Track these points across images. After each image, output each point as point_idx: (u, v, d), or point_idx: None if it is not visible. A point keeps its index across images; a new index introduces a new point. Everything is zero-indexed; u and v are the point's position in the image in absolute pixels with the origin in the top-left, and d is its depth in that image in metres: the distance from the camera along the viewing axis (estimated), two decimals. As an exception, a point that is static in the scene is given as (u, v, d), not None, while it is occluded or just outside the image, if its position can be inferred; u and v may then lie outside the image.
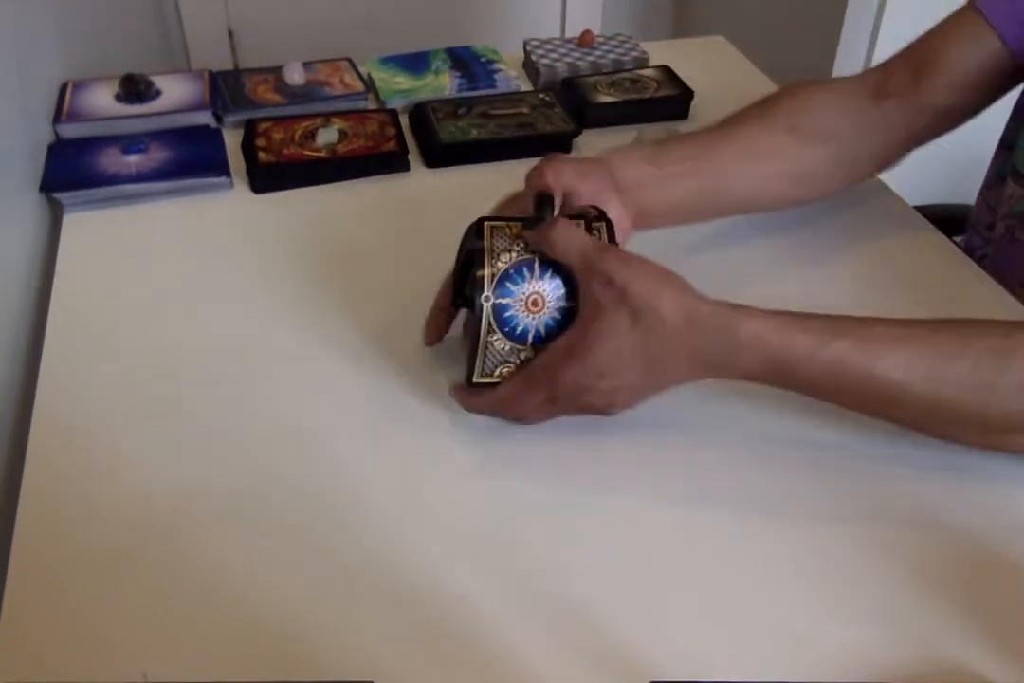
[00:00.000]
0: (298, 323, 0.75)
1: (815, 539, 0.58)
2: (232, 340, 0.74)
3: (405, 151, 0.94)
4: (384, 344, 0.73)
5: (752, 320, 0.57)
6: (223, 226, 0.87)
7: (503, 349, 0.61)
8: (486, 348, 0.61)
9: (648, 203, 0.72)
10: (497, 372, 0.62)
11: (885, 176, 0.92)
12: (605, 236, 0.63)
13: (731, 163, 0.76)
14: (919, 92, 0.79)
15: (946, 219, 0.90)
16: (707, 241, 0.84)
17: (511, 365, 0.62)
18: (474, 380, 0.63)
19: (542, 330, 0.61)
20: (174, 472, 0.63)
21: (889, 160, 0.83)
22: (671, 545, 0.58)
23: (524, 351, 0.62)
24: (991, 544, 0.57)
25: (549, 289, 0.61)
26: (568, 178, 0.67)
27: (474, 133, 0.95)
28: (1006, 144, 0.87)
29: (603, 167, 0.70)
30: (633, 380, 0.60)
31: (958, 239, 0.92)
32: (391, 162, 0.94)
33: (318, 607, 0.54)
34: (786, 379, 0.59)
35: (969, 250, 0.88)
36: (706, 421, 0.66)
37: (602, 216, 0.63)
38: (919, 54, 0.80)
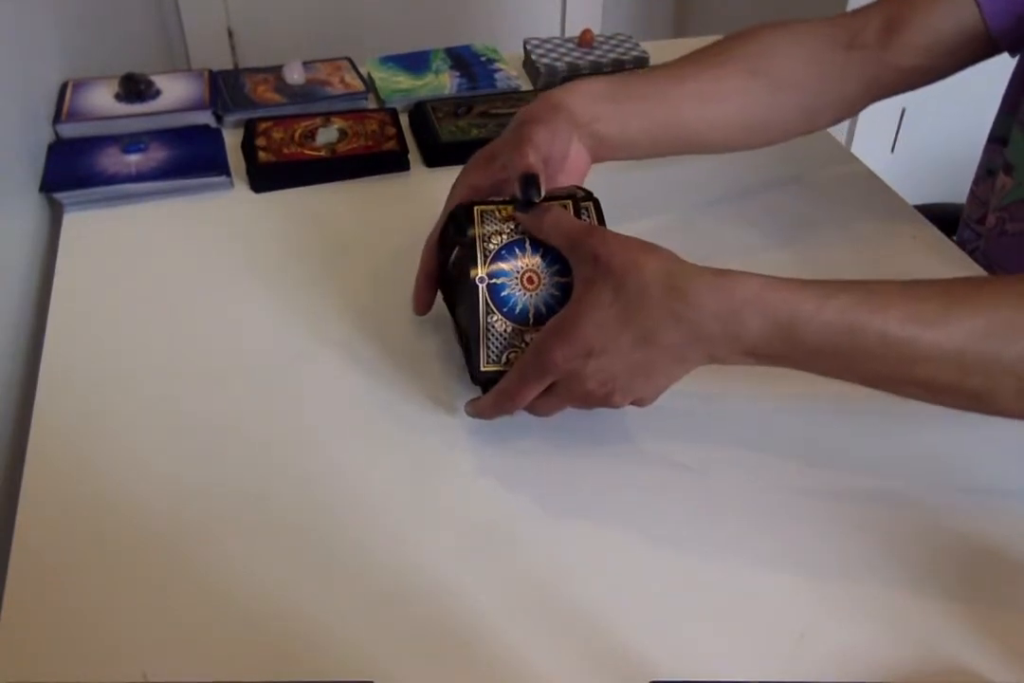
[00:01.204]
0: (298, 322, 0.75)
1: (815, 539, 0.58)
2: (232, 339, 0.74)
3: (405, 150, 0.94)
4: (385, 343, 0.73)
5: (749, 278, 0.54)
6: (223, 226, 0.87)
7: (505, 331, 0.60)
8: (488, 331, 0.60)
9: (604, 137, 0.71)
10: (504, 358, 0.61)
11: (885, 176, 0.93)
12: (594, 216, 0.62)
13: (687, 104, 0.75)
14: (889, 49, 0.77)
15: (944, 218, 0.91)
16: (706, 241, 0.83)
17: (518, 349, 0.60)
18: (481, 368, 0.61)
19: (542, 308, 0.60)
20: (174, 472, 0.63)
21: (846, 113, 0.82)
22: (671, 545, 0.58)
23: (528, 332, 0.60)
24: (991, 544, 0.57)
25: (543, 265, 0.60)
26: (545, 148, 0.65)
27: (474, 132, 0.95)
28: (996, 138, 0.86)
29: (564, 114, 0.69)
30: (624, 360, 0.56)
31: (954, 238, 0.93)
32: (391, 161, 0.94)
33: (318, 607, 0.54)
34: (793, 341, 0.53)
35: (961, 244, 0.88)
36: (707, 420, 0.65)
37: (589, 196, 0.63)
38: (896, 10, 0.78)
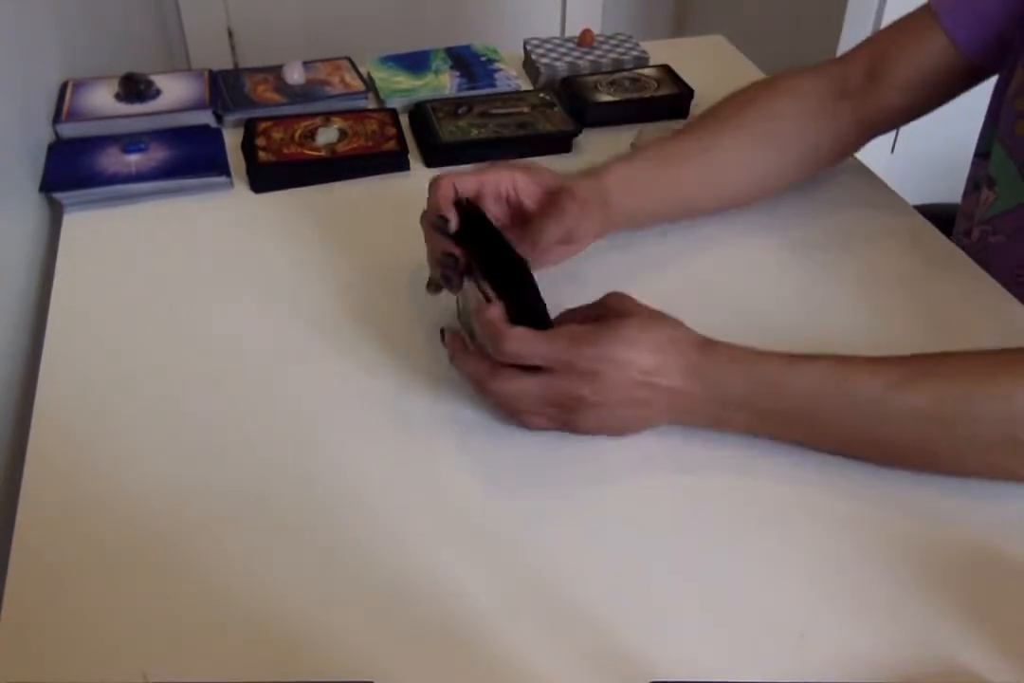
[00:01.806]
0: (298, 322, 0.75)
1: (815, 539, 0.58)
2: (232, 339, 0.74)
3: (405, 150, 0.94)
4: (385, 343, 0.73)
5: (725, 346, 0.61)
6: (223, 226, 0.87)
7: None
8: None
9: (613, 223, 0.76)
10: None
11: (885, 176, 0.92)
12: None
13: (698, 189, 0.80)
14: (876, 92, 0.81)
15: (943, 218, 0.91)
16: (704, 241, 0.83)
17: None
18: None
19: None
20: (174, 472, 0.63)
21: (845, 155, 0.87)
22: (671, 545, 0.58)
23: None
24: (991, 544, 0.57)
25: None
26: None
27: (474, 132, 0.95)
28: (981, 153, 0.88)
29: (599, 201, 0.73)
30: (629, 383, 0.60)
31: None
32: (391, 161, 0.94)
33: (318, 607, 0.54)
34: (768, 397, 0.60)
35: None
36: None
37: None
38: (875, 54, 0.82)
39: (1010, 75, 0.79)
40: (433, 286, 0.72)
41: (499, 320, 0.60)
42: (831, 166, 0.87)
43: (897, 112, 0.83)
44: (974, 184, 0.89)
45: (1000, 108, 0.81)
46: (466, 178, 0.69)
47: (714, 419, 0.62)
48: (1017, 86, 0.78)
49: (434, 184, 0.68)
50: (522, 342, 0.59)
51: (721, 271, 0.81)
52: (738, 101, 0.84)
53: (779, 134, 0.81)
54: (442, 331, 0.67)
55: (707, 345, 0.61)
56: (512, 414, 0.63)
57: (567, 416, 0.61)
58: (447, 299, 0.71)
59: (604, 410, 0.60)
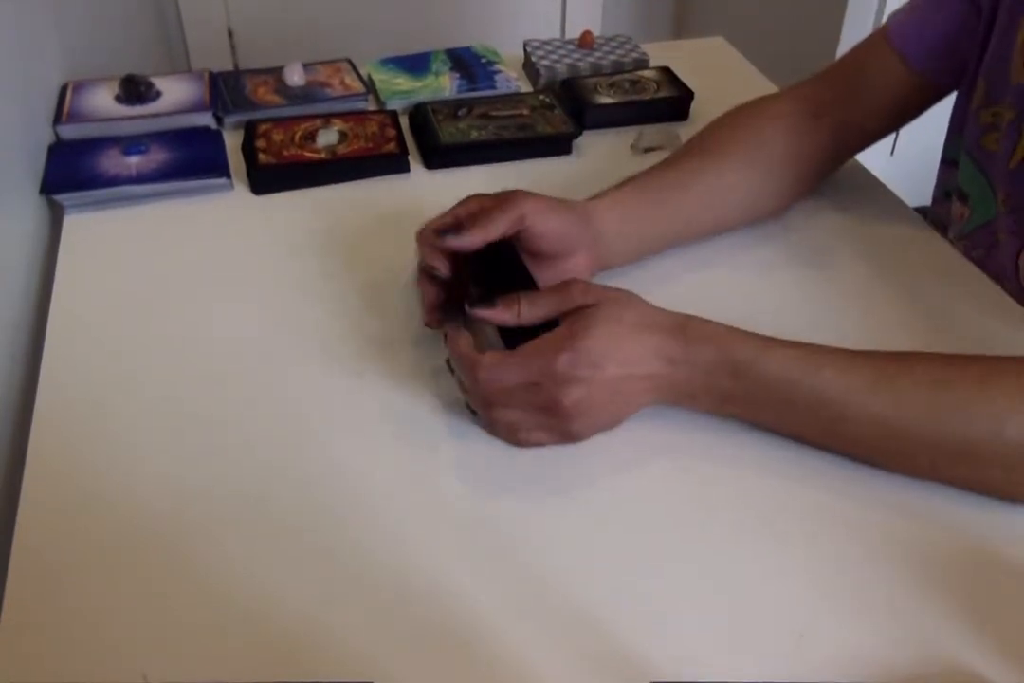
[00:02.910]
0: (298, 324, 0.75)
1: (815, 539, 0.58)
2: (232, 341, 0.74)
3: (405, 152, 0.94)
4: (385, 345, 0.73)
5: (710, 323, 0.61)
6: (223, 227, 0.87)
7: None
8: None
9: (612, 256, 0.77)
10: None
11: (885, 178, 0.93)
12: None
13: (695, 211, 0.80)
14: (844, 113, 0.84)
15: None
16: (703, 241, 0.84)
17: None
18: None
19: None
20: (174, 472, 0.63)
21: (823, 175, 0.88)
22: (671, 545, 0.58)
23: None
24: (991, 544, 0.57)
25: None
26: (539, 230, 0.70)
27: (474, 134, 0.95)
28: (948, 161, 0.89)
29: (592, 234, 0.73)
30: (607, 377, 0.60)
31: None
32: (391, 163, 0.94)
33: (318, 607, 0.54)
34: (736, 381, 0.60)
35: None
36: (707, 420, 0.65)
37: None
38: (840, 77, 0.85)
39: (972, 85, 0.80)
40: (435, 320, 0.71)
41: (468, 350, 0.61)
42: (813, 187, 0.87)
43: (867, 133, 0.86)
44: (944, 192, 0.90)
45: (963, 117, 0.82)
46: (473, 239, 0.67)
47: (688, 397, 0.62)
48: (980, 98, 0.78)
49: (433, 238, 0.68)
50: (494, 368, 0.60)
51: (720, 272, 0.81)
52: (723, 127, 0.84)
53: (768, 157, 0.82)
54: (447, 361, 0.67)
55: (678, 326, 0.61)
56: (509, 438, 0.63)
57: (562, 426, 0.61)
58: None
59: (593, 411, 0.61)
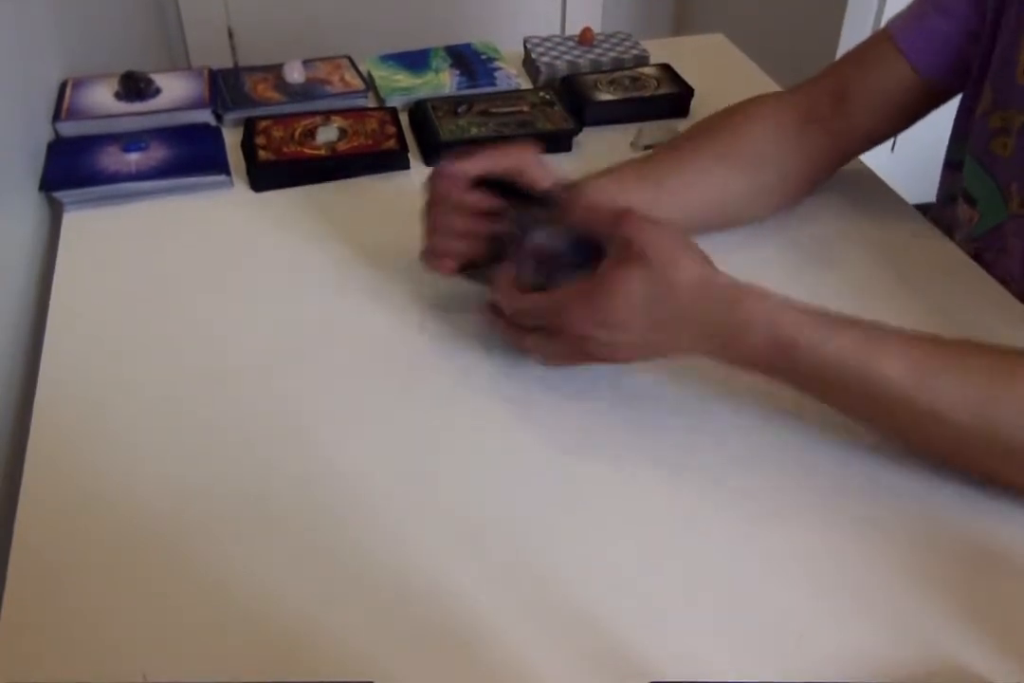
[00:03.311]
0: (299, 321, 0.75)
1: (815, 539, 0.58)
2: (232, 339, 0.74)
3: (405, 149, 0.94)
4: (386, 342, 0.73)
5: (766, 299, 0.59)
6: (223, 224, 0.87)
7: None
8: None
9: None
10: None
11: (886, 175, 0.92)
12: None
13: (667, 197, 0.78)
14: (843, 118, 0.82)
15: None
16: (704, 241, 0.83)
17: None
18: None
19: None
20: (174, 472, 0.63)
21: (815, 182, 0.86)
22: (672, 545, 0.58)
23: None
24: (991, 544, 0.57)
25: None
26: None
27: (474, 131, 0.95)
28: (952, 164, 0.88)
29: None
30: (634, 338, 0.61)
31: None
32: (391, 160, 0.94)
33: (318, 607, 0.54)
34: (789, 363, 0.59)
35: None
36: (710, 420, 0.65)
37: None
38: (839, 80, 0.83)
39: (978, 89, 0.80)
40: (462, 267, 0.71)
41: (506, 283, 0.65)
42: (806, 193, 0.86)
43: (865, 136, 0.84)
44: (948, 195, 0.89)
45: (969, 121, 0.82)
46: (475, 165, 0.69)
47: (731, 363, 0.61)
48: (987, 103, 0.78)
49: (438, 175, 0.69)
50: (523, 313, 0.65)
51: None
52: (710, 127, 0.84)
53: (751, 157, 0.81)
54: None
55: (729, 301, 0.59)
56: (550, 363, 0.67)
57: (595, 362, 0.64)
58: (447, 299, 0.71)
59: (621, 356, 0.63)
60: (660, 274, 0.58)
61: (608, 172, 0.77)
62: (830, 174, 0.87)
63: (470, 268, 0.71)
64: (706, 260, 0.60)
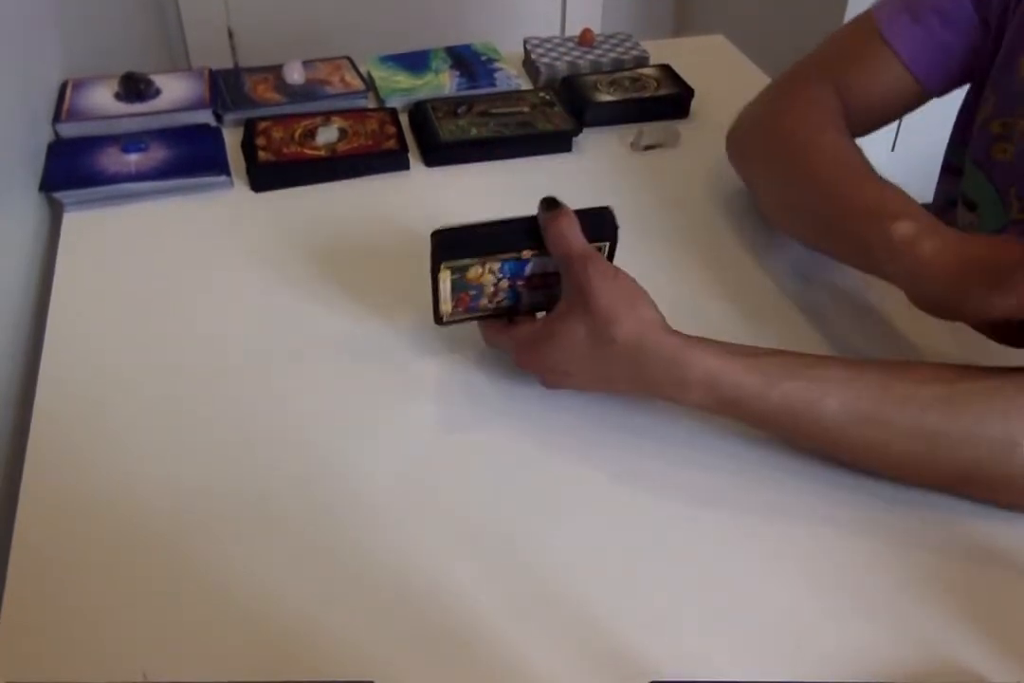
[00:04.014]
0: (298, 321, 0.75)
1: (815, 539, 0.58)
2: (232, 339, 0.74)
3: (405, 150, 0.94)
4: (385, 343, 0.73)
5: (703, 361, 0.58)
6: (223, 225, 0.87)
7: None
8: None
9: None
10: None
11: (886, 174, 0.92)
12: (606, 253, 0.65)
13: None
14: (848, 110, 0.82)
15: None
16: (702, 241, 0.83)
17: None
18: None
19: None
20: (174, 472, 0.63)
21: None
22: (672, 545, 0.58)
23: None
24: (991, 544, 0.57)
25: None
26: None
27: (474, 132, 0.95)
28: (951, 168, 0.88)
29: None
30: (583, 382, 0.63)
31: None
32: (391, 161, 0.94)
33: (318, 607, 0.54)
34: (736, 413, 0.60)
35: None
36: (709, 420, 0.65)
37: (611, 239, 0.65)
38: (841, 79, 0.83)
39: (979, 95, 0.80)
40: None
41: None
42: None
43: (857, 127, 0.83)
44: (946, 199, 0.90)
45: (969, 126, 0.82)
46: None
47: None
48: (989, 110, 0.78)
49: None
50: (489, 338, 0.69)
51: (719, 271, 0.81)
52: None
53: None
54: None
55: (669, 363, 0.59)
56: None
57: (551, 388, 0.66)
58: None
59: (571, 386, 0.65)
60: (602, 329, 0.59)
61: None
62: None
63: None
64: (651, 317, 0.60)
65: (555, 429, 0.65)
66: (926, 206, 0.91)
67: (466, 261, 0.62)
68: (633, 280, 0.61)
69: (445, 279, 0.63)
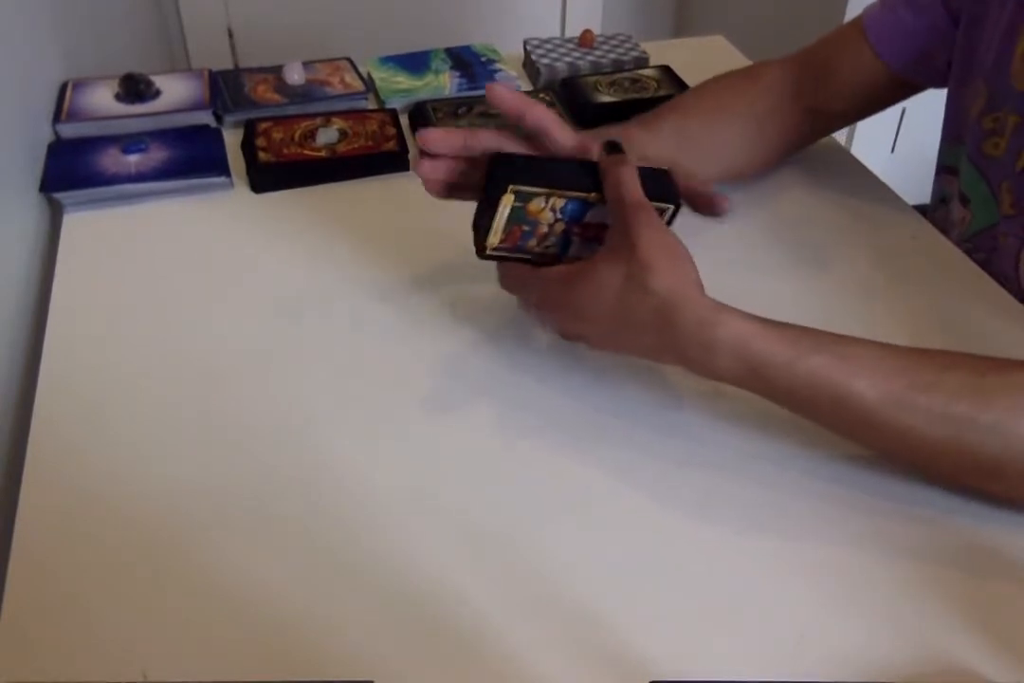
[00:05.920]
0: (299, 323, 0.75)
1: (815, 539, 0.58)
2: (232, 340, 0.74)
3: (405, 151, 0.94)
4: (384, 343, 0.73)
5: (735, 322, 0.57)
6: (223, 226, 0.87)
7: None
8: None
9: None
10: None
11: (885, 176, 0.92)
12: (667, 219, 0.64)
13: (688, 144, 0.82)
14: (819, 98, 0.85)
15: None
16: (701, 240, 0.83)
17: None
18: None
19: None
20: (175, 472, 0.63)
21: (786, 154, 0.90)
22: (672, 545, 0.58)
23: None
24: (991, 544, 0.57)
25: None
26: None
27: (474, 133, 0.95)
28: (945, 168, 0.89)
29: None
30: (602, 332, 0.62)
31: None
32: (391, 162, 0.94)
33: (318, 607, 0.54)
34: (761, 384, 0.58)
35: None
36: (710, 421, 0.65)
37: (675, 203, 0.64)
38: (818, 62, 0.87)
39: (962, 91, 0.81)
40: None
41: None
42: (774, 165, 0.90)
43: (838, 117, 0.89)
44: (940, 198, 0.91)
45: (958, 126, 0.82)
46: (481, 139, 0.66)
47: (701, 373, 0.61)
48: (982, 106, 0.79)
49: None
50: (510, 280, 0.67)
51: (718, 272, 0.80)
52: (719, 85, 0.89)
53: (755, 119, 0.85)
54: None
55: (702, 324, 0.57)
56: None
57: (570, 340, 0.65)
58: (447, 298, 0.71)
59: (591, 342, 0.64)
60: (640, 276, 0.57)
61: (641, 124, 0.80)
62: (799, 149, 0.90)
63: (458, 191, 0.67)
64: (691, 276, 0.59)
65: (557, 429, 0.65)
66: (924, 206, 0.92)
67: (534, 189, 0.58)
68: (681, 241, 0.60)
69: (507, 204, 0.59)
